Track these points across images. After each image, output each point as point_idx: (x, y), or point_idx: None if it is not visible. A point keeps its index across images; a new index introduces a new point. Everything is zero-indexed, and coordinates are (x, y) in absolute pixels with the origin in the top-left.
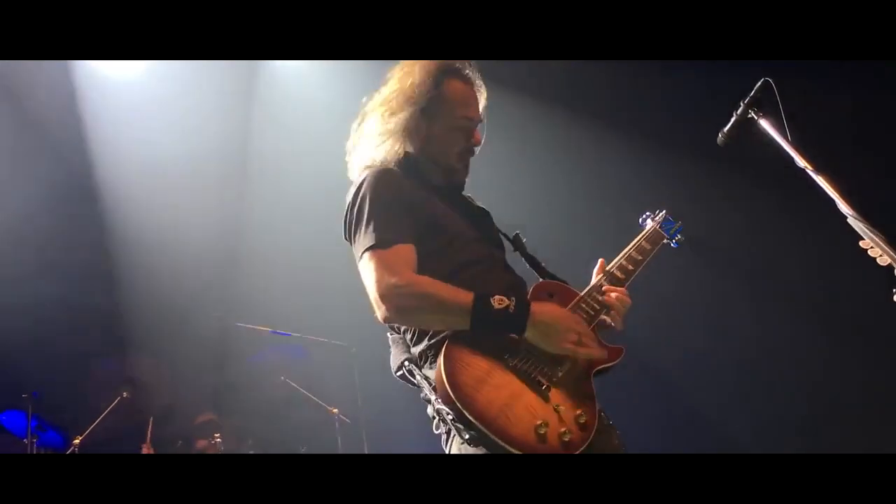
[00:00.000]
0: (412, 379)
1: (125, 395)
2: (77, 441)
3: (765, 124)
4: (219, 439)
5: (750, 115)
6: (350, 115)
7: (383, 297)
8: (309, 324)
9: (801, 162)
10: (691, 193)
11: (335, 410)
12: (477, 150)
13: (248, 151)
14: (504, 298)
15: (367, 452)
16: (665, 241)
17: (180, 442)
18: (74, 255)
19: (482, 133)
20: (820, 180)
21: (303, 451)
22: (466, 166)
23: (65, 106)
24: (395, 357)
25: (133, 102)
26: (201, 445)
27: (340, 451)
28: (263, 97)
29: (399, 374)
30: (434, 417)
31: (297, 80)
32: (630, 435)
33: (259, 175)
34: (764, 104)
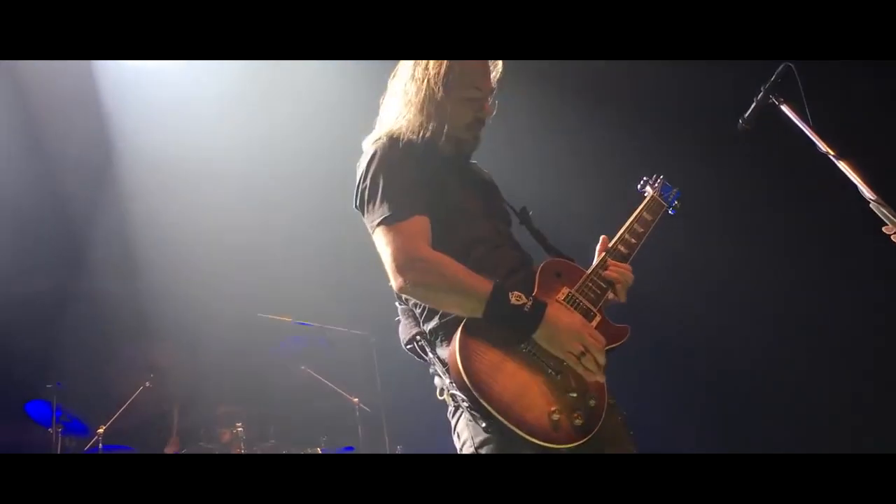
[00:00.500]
0: (423, 355)
1: (148, 384)
2: (101, 430)
3: (786, 110)
4: (240, 429)
5: (771, 101)
6: (370, 112)
7: (401, 268)
8: (328, 314)
9: (822, 147)
10: (710, 180)
11: (356, 399)
12: (488, 120)
13: (270, 145)
14: (522, 296)
15: (386, 440)
16: (664, 208)
17: (202, 430)
18: (97, 247)
19: (494, 104)
20: (842, 166)
21: (323, 440)
22: (476, 137)
23: (88, 101)
24: (406, 329)
25: (154, 96)
26: (223, 435)
27: (361, 439)
28: (286, 93)
29: (409, 346)
30: (442, 390)
31: (320, 76)
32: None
33: (280, 168)
34: (785, 89)
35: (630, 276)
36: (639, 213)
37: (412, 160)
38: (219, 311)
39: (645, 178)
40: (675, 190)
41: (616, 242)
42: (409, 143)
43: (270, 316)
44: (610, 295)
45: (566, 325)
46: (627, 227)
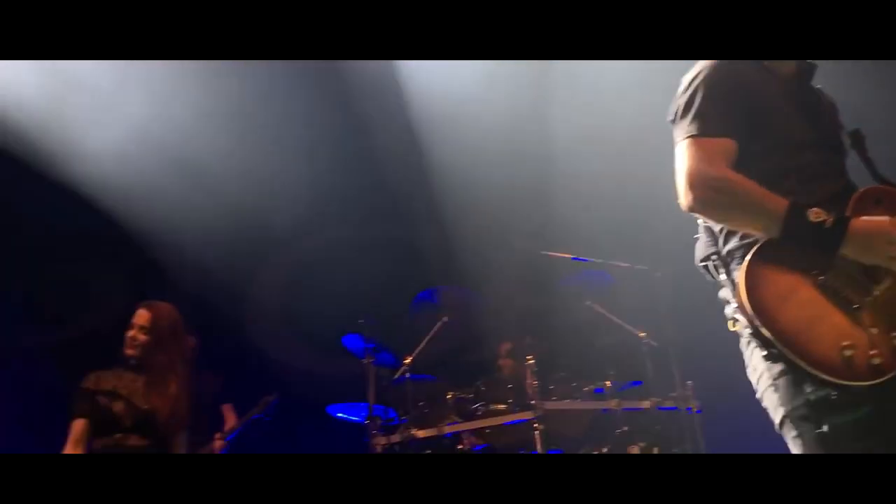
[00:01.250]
0: (715, 275)
1: (446, 319)
2: (408, 360)
3: None
4: (532, 361)
5: None
6: None
7: (692, 185)
8: (613, 249)
9: None
10: None
11: (642, 334)
12: None
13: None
14: (821, 212)
15: (675, 375)
16: None
17: (495, 364)
18: (405, 199)
19: None
20: None
21: (611, 374)
22: None
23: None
24: (703, 247)
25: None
26: (515, 367)
27: (649, 374)
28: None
29: (703, 264)
30: (732, 319)
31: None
32: None
33: (563, 104)
34: None
35: None
36: None
37: (738, 82)
38: (507, 250)
39: None
40: None
41: None
42: (741, 64)
43: (552, 254)
44: None
45: (875, 228)
46: None
